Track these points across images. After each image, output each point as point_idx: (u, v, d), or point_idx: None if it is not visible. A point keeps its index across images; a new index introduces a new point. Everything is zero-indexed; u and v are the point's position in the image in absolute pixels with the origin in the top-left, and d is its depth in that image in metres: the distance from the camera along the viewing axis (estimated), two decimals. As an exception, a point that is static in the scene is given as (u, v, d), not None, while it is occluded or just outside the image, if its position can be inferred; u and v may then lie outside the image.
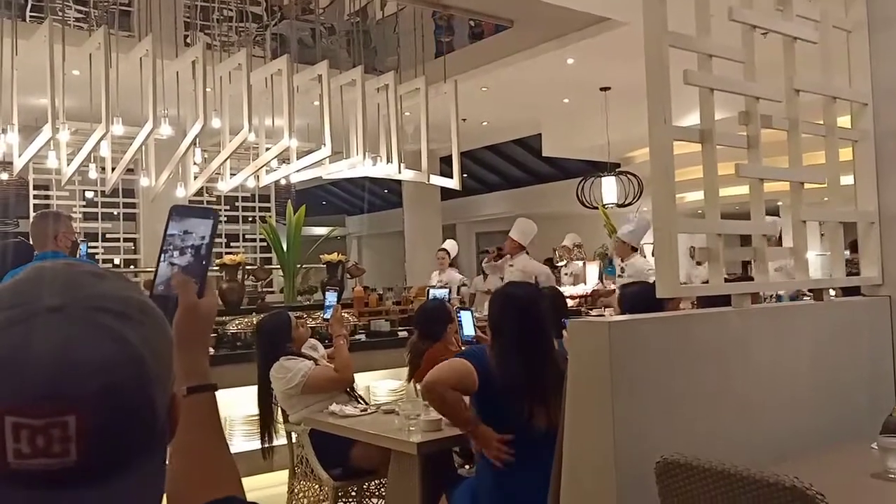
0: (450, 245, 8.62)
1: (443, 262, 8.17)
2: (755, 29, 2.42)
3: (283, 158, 6.28)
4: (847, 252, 3.36)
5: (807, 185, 2.59)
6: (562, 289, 6.68)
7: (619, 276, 6.84)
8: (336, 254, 6.78)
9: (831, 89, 2.69)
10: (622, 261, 6.86)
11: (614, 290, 6.92)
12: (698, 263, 7.34)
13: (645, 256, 7.51)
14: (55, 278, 0.69)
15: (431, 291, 5.96)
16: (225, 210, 9.59)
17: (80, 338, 0.65)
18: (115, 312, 0.68)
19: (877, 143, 2.73)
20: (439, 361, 3.18)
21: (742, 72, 2.42)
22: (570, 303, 6.69)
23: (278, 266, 7.30)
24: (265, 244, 9.19)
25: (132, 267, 9.42)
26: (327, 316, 4.10)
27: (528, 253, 7.24)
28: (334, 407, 3.49)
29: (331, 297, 4.16)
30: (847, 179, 2.74)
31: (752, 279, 2.73)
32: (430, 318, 4.13)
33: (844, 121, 2.79)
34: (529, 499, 2.43)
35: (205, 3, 7.10)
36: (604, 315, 6.10)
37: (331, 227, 9.21)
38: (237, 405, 5.08)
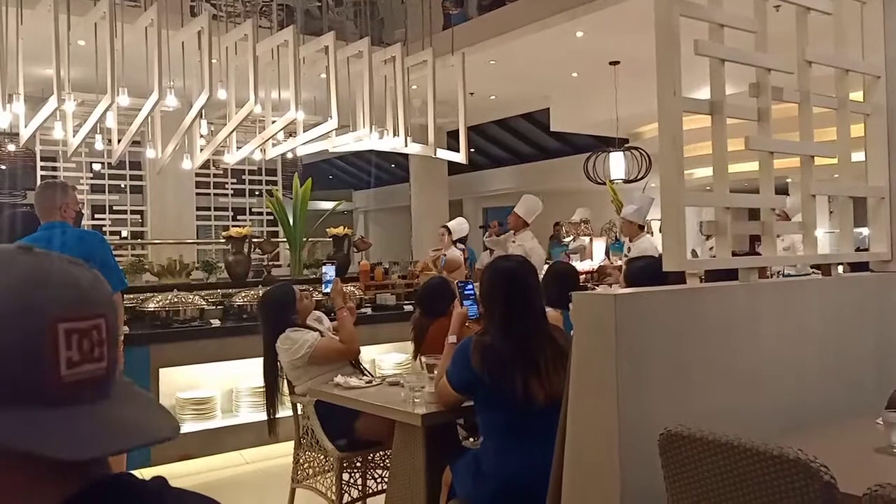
0: (454, 224, 7.77)
1: (442, 240, 7.71)
2: (768, -1, 2.38)
3: (290, 131, 6.26)
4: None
5: (817, 161, 2.56)
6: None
7: (626, 255, 6.80)
8: (342, 227, 6.78)
9: (844, 61, 2.65)
10: (630, 241, 6.80)
11: (619, 266, 6.90)
12: (707, 238, 7.29)
13: (652, 233, 7.47)
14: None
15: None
16: (231, 183, 9.59)
17: (68, 262, 0.75)
18: (68, 260, 0.77)
19: (889, 117, 2.70)
20: (445, 334, 3.19)
21: (753, 43, 2.38)
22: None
23: (285, 239, 7.31)
24: (272, 217, 9.19)
25: (139, 239, 9.44)
26: (327, 290, 4.08)
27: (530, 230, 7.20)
28: (339, 378, 3.50)
29: (329, 271, 4.14)
30: (857, 157, 2.71)
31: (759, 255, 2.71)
32: (433, 295, 4.13)
33: (856, 97, 2.75)
34: (533, 471, 2.44)
35: (211, -26, 7.03)
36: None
37: (337, 202, 9.18)
38: (243, 377, 5.11)
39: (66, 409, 0.67)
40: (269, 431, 3.83)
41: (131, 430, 0.71)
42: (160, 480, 0.75)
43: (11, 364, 0.66)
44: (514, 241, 7.03)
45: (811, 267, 5.54)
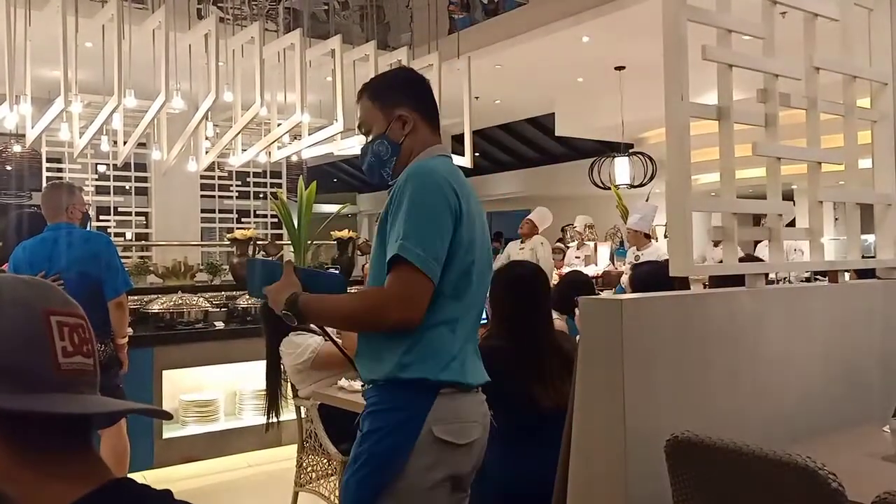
0: None
1: None
2: (775, 5, 2.38)
3: (295, 134, 6.27)
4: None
5: (823, 168, 2.55)
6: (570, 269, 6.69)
7: (631, 263, 6.78)
8: (347, 231, 6.78)
9: (851, 68, 2.64)
10: (637, 249, 6.76)
11: (622, 272, 6.90)
12: (715, 244, 7.28)
13: (657, 239, 7.46)
14: None
15: None
16: (236, 185, 9.60)
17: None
18: None
19: (896, 124, 2.69)
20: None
21: (761, 49, 2.38)
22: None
23: (289, 242, 7.31)
24: (276, 220, 9.19)
25: (144, 241, 9.45)
26: None
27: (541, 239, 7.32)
28: (343, 382, 3.50)
29: None
30: (864, 163, 2.70)
31: (760, 260, 2.70)
32: None
33: (863, 103, 2.74)
34: (537, 477, 2.43)
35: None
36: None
37: (342, 205, 9.19)
38: (247, 380, 5.11)
39: (65, 394, 0.73)
40: (265, 430, 3.80)
41: (122, 404, 0.81)
42: (167, 492, 0.78)
43: (15, 351, 0.71)
44: (522, 248, 7.09)
45: (817, 274, 5.52)
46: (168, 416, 0.86)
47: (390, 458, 1.69)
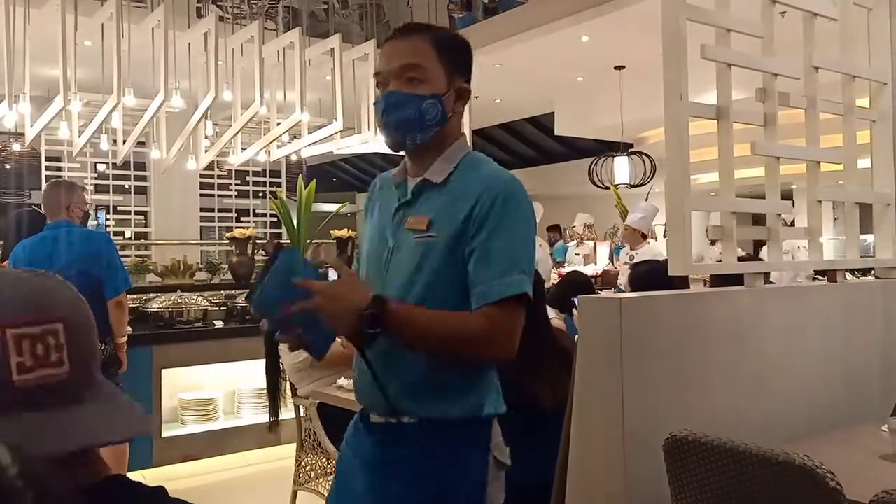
0: None
1: None
2: (775, 4, 2.38)
3: (295, 133, 6.26)
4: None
5: (822, 168, 2.56)
6: (571, 269, 6.70)
7: (626, 264, 6.78)
8: (346, 230, 6.78)
9: (850, 68, 2.64)
10: (631, 248, 6.77)
11: (619, 271, 6.90)
12: (712, 243, 7.29)
13: (656, 239, 7.46)
14: None
15: None
16: (235, 184, 9.59)
17: (23, 272, 0.77)
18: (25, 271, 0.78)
19: (895, 124, 2.69)
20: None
21: (760, 48, 2.38)
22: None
23: (288, 241, 7.30)
24: (275, 219, 9.18)
25: (143, 240, 9.45)
26: None
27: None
28: (342, 381, 3.50)
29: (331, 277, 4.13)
30: (863, 163, 2.70)
31: (760, 260, 2.70)
32: None
33: (862, 103, 2.74)
34: (536, 476, 2.43)
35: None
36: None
37: (341, 204, 9.18)
38: (246, 378, 5.11)
39: (17, 414, 0.67)
40: (269, 430, 3.81)
41: (84, 433, 0.71)
42: (160, 488, 0.77)
43: None
44: None
45: (816, 273, 5.52)
46: (147, 435, 0.82)
47: (480, 496, 1.63)
